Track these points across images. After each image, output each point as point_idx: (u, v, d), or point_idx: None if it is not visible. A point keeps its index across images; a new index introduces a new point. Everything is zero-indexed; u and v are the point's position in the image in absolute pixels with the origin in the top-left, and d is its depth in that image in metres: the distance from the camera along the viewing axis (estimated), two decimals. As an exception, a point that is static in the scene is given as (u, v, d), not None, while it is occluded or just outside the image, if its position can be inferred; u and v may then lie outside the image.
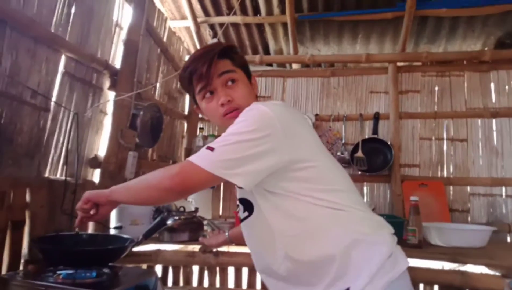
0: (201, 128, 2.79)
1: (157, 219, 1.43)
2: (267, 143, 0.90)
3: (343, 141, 2.74)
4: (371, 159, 2.62)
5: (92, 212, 1.06)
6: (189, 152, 2.70)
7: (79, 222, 1.08)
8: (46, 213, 1.50)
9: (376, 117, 2.74)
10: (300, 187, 0.96)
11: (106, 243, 1.41)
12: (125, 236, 1.46)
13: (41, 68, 1.55)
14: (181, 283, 1.85)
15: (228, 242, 1.62)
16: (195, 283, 1.85)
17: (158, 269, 1.90)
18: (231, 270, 1.78)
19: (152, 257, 1.83)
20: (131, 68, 2.03)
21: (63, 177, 1.64)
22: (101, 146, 1.97)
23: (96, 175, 1.92)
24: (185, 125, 2.94)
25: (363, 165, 2.60)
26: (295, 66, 3.06)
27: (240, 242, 1.68)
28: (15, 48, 1.42)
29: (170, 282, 1.86)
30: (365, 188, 2.71)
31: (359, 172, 2.65)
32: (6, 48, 1.38)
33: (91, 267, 1.26)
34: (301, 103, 2.92)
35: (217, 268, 1.79)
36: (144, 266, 1.89)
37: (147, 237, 1.42)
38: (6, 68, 1.38)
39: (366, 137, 2.72)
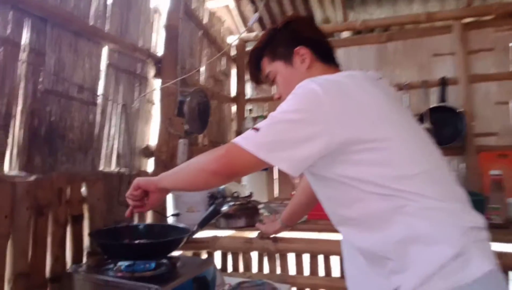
0: (250, 110, 2.70)
1: (211, 208, 1.38)
2: (314, 124, 0.80)
3: (406, 111, 2.50)
4: (439, 130, 2.35)
5: (140, 203, 1.04)
6: (239, 135, 2.64)
7: (129, 212, 1.07)
8: (103, 205, 1.51)
9: (443, 83, 2.45)
10: (358, 173, 0.83)
11: (163, 234, 1.39)
12: (181, 225, 1.42)
13: (85, 62, 1.54)
14: (241, 269, 1.81)
15: (284, 228, 1.55)
16: (254, 269, 1.79)
17: (217, 255, 1.88)
18: (291, 257, 1.70)
19: (210, 244, 1.80)
20: (174, 54, 1.98)
21: (117, 169, 1.65)
22: (152, 135, 1.96)
23: (149, 165, 1.93)
24: (233, 107, 2.87)
25: (432, 137, 2.34)
26: (345, 34, 2.83)
27: (295, 223, 1.61)
28: (58, 44, 1.42)
29: (229, 268, 1.83)
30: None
31: (426, 145, 2.40)
32: (49, 45, 1.38)
33: (150, 259, 1.25)
34: (354, 74, 2.70)
35: (277, 255, 1.72)
36: (204, 253, 1.88)
37: (202, 226, 1.38)
38: (51, 66, 1.39)
39: (432, 106, 2.45)
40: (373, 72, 1.02)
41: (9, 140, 1.24)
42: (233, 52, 2.93)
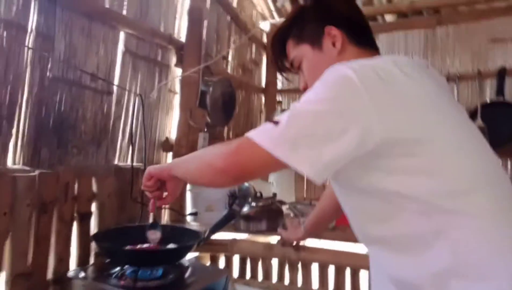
0: (279, 102, 2.52)
1: (225, 212, 1.25)
2: (345, 117, 0.64)
3: (455, 106, 2.21)
4: (494, 129, 2.05)
5: (159, 193, 0.94)
6: (268, 128, 2.47)
7: (152, 207, 0.96)
8: (114, 202, 1.42)
9: (501, 74, 2.13)
10: (397, 183, 0.66)
11: (173, 237, 1.28)
12: (194, 229, 1.30)
13: (99, 48, 1.44)
14: (260, 277, 1.67)
15: (308, 235, 1.39)
16: (274, 278, 1.65)
17: (236, 259, 1.75)
18: (315, 267, 1.54)
19: (228, 247, 1.67)
20: (198, 40, 1.84)
21: (134, 163, 1.55)
22: (172, 128, 1.85)
23: (169, 159, 1.82)
24: (263, 98, 2.71)
25: (484, 137, 2.06)
26: (389, 18, 2.55)
27: (320, 231, 1.43)
28: (68, 28, 1.32)
29: (248, 274, 1.70)
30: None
31: (477, 145, 2.11)
32: (58, 29, 1.28)
33: (156, 266, 1.14)
34: (397, 63, 2.44)
35: (299, 264, 1.56)
36: (222, 256, 1.76)
37: (215, 232, 1.25)
38: (60, 52, 1.29)
39: (488, 100, 2.15)
40: (420, 59, 0.84)
41: (13, 131, 1.16)
42: (265, 39, 2.75)
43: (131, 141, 1.54)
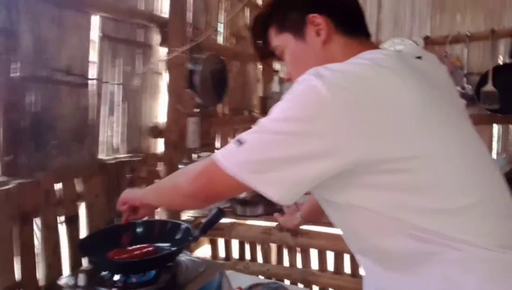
0: (277, 70, 2.38)
1: (214, 211, 1.20)
2: (313, 138, 0.58)
3: (465, 70, 2.05)
4: (506, 94, 1.92)
5: (132, 215, 1.00)
6: (264, 101, 2.36)
7: (124, 221, 1.03)
8: (103, 201, 1.39)
9: (517, 34, 1.95)
10: (376, 201, 0.62)
11: (164, 234, 1.25)
12: (184, 224, 1.26)
13: (72, 38, 1.32)
14: (260, 260, 1.67)
15: (304, 223, 1.35)
16: (274, 260, 1.65)
17: (235, 242, 1.74)
18: (314, 252, 1.52)
19: (226, 232, 1.66)
20: (182, 14, 1.70)
21: (121, 156, 1.50)
22: (161, 112, 1.76)
23: (160, 146, 1.76)
24: (260, 68, 2.56)
25: (494, 103, 1.93)
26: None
27: (316, 219, 1.40)
28: (36, 20, 1.20)
29: (248, 257, 1.70)
30: (495, 132, 2.06)
31: (488, 112, 1.99)
32: (24, 22, 1.16)
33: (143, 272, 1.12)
34: (404, 23, 2.25)
35: (298, 248, 1.55)
36: (221, 240, 1.75)
37: (205, 232, 1.20)
38: (28, 47, 1.19)
39: (500, 63, 1.99)
40: (413, 46, 0.74)
41: (-16, 142, 1.10)
42: (260, 0, 2.54)
43: (119, 132, 1.47)
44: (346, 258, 1.47)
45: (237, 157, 0.62)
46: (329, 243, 1.45)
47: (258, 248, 1.67)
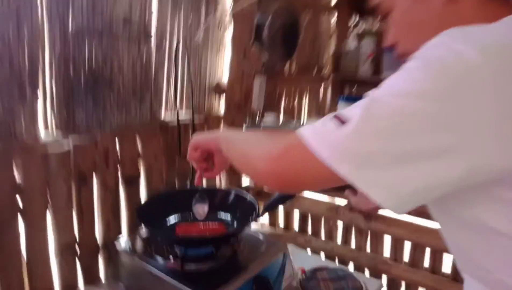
0: (355, 25, 2.08)
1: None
2: (455, 127, 0.41)
3: None
4: None
5: (206, 165, 0.85)
6: (337, 59, 2.09)
7: (199, 180, 0.89)
8: (163, 162, 1.32)
9: None
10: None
11: (226, 205, 1.17)
12: (249, 197, 1.15)
13: (130, -14, 1.20)
14: (323, 237, 1.53)
15: (380, 208, 1.17)
16: (339, 240, 1.50)
17: (296, 214, 1.62)
18: (387, 238, 1.34)
19: (288, 205, 1.53)
20: (251, -43, 1.48)
21: (184, 116, 1.40)
22: (225, 69, 1.62)
23: (221, 106, 1.63)
24: (333, 19, 2.27)
25: None
26: None
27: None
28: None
29: (309, 230, 1.57)
30: None
31: None
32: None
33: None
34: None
35: (369, 231, 1.38)
36: (280, 210, 1.63)
37: (270, 210, 1.09)
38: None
39: None
40: None
41: (40, 97, 1.04)
42: None
43: (175, 92, 1.37)
44: (427, 252, 1.27)
45: (336, 140, 0.46)
46: (408, 233, 1.25)
47: (322, 223, 1.53)
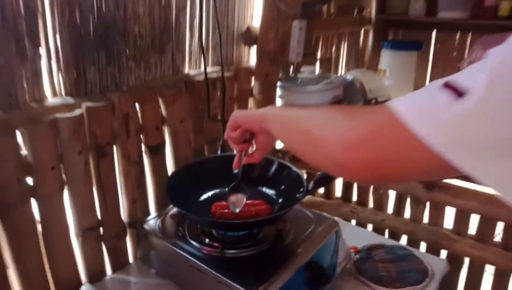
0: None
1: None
2: None
3: None
4: None
5: (246, 146, 0.75)
6: (382, 1, 1.79)
7: (237, 163, 0.78)
8: (190, 126, 1.14)
9: None
10: None
11: (268, 177, 0.99)
12: (296, 170, 0.96)
13: None
14: (370, 205, 1.37)
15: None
16: (390, 209, 1.33)
17: (339, 180, 1.44)
18: (450, 209, 1.16)
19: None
20: None
21: (210, 70, 1.19)
22: (256, 13, 1.37)
23: (253, 56, 1.41)
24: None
25: None
26: None
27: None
28: None
29: (354, 198, 1.41)
30: None
31: None
32: None
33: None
34: None
35: (428, 202, 1.20)
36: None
37: (322, 185, 0.91)
38: None
39: None
40: None
41: (43, 52, 0.85)
42: None
43: (201, 41, 1.15)
44: (499, 225, 1.10)
45: (451, 121, 0.33)
46: (478, 206, 1.06)
47: (370, 191, 1.36)
